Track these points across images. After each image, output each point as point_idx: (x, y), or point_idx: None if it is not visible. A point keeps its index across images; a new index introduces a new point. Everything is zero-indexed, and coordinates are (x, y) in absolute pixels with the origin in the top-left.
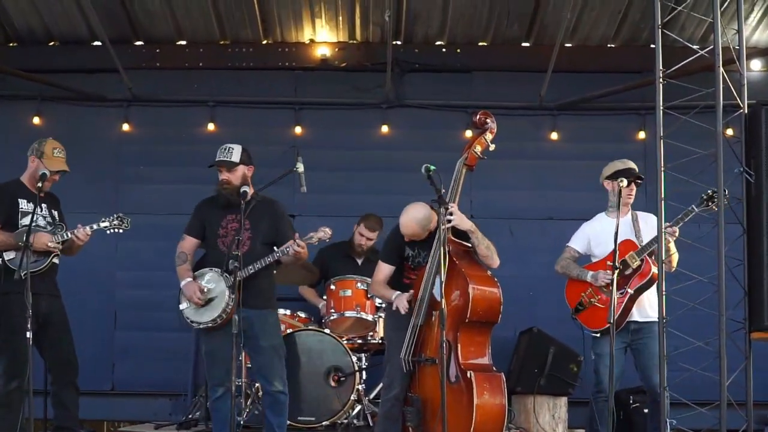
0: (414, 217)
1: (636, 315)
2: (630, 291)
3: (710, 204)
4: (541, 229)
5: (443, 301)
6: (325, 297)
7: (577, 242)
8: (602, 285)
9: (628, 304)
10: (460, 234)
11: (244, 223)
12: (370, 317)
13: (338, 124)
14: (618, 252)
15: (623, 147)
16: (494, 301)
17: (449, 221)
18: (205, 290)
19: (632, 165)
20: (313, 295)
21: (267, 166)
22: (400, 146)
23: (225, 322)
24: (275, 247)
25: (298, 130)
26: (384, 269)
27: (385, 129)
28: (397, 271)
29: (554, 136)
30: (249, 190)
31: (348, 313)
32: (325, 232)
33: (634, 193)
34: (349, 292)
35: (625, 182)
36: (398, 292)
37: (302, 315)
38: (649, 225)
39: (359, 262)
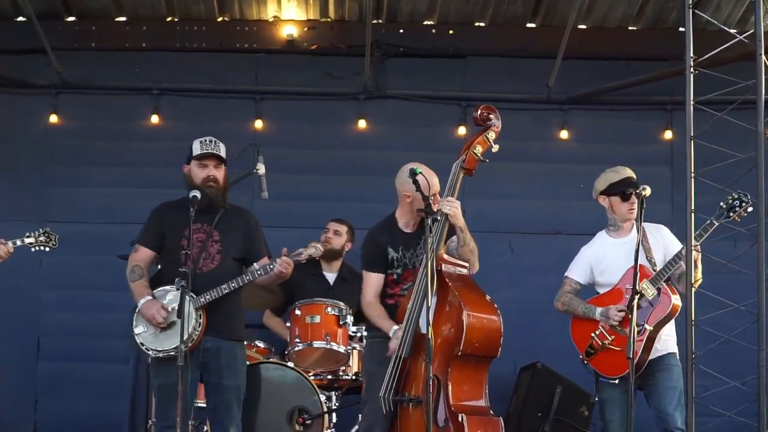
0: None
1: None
2: (648, 327)
3: (732, 214)
4: (547, 246)
5: (430, 329)
6: (289, 324)
7: (577, 271)
8: (615, 324)
9: (648, 344)
10: (451, 231)
11: (212, 234)
12: (342, 349)
13: (307, 118)
14: (626, 280)
15: (646, 149)
16: (493, 331)
17: (446, 214)
18: (170, 310)
19: (629, 172)
20: (281, 326)
21: None
22: (381, 145)
23: (191, 350)
24: (255, 264)
25: (258, 124)
26: (373, 280)
27: (362, 124)
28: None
29: (564, 134)
30: (226, 195)
31: (316, 344)
32: (316, 249)
33: (635, 207)
34: (317, 319)
35: (648, 190)
36: (396, 327)
37: (260, 345)
38: (660, 239)
39: (330, 280)
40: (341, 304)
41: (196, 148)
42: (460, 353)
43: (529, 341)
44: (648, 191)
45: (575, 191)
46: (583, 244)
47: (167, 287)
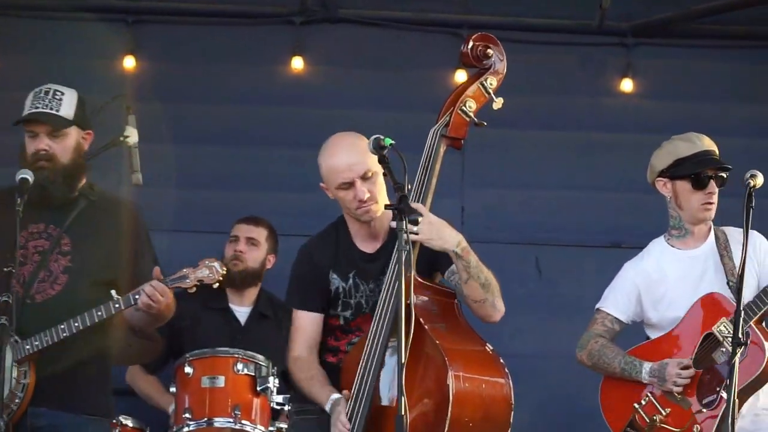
0: (344, 143)
1: None
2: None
3: None
4: (598, 263)
5: (403, 401)
6: (174, 390)
7: (616, 302)
8: (676, 389)
9: (723, 424)
10: (435, 259)
11: (61, 242)
12: (260, 429)
13: (208, 54)
14: (696, 319)
15: (762, 110)
16: (497, 402)
17: (411, 235)
18: None
19: (707, 144)
20: (156, 389)
21: None
22: (328, 98)
23: (13, 426)
24: (114, 293)
25: (129, 62)
26: (305, 324)
27: (297, 64)
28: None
29: (626, 86)
30: (79, 179)
31: (219, 422)
32: (212, 270)
33: (716, 199)
34: (220, 381)
35: (759, 178)
36: (336, 396)
37: (128, 423)
38: (753, 254)
39: (242, 318)
40: (259, 357)
41: (26, 106)
42: None
43: (565, 410)
44: (759, 179)
45: (645, 177)
46: None
47: None
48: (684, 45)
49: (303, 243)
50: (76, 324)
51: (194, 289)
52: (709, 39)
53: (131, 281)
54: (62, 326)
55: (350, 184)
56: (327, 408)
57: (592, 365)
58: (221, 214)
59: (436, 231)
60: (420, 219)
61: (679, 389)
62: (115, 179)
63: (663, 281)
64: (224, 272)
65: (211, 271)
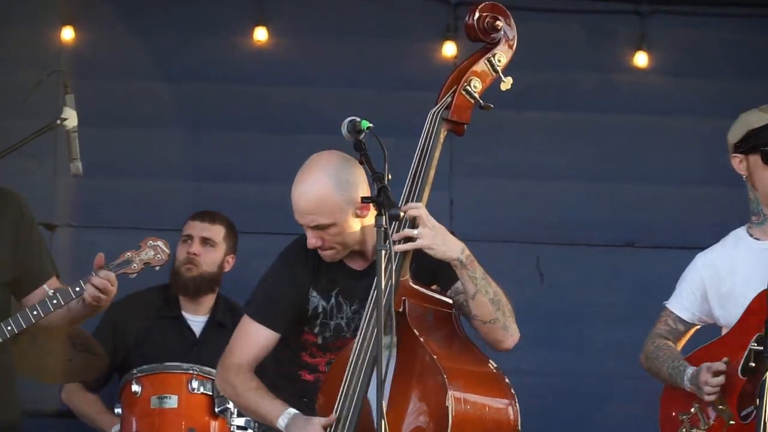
0: (306, 181)
1: None
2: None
3: None
4: (609, 265)
5: (384, 425)
6: (119, 411)
7: (680, 298)
8: (708, 397)
9: None
10: (433, 269)
11: None
12: None
13: (157, 24)
14: (754, 318)
15: None
16: (502, 426)
17: (408, 240)
18: None
19: None
20: (96, 409)
21: None
22: (295, 74)
23: None
24: (45, 288)
25: (67, 34)
26: (259, 337)
27: (261, 35)
28: (289, 344)
29: (641, 60)
30: None
31: None
32: (158, 251)
33: None
34: (172, 401)
35: None
36: (294, 411)
37: None
38: None
39: (197, 329)
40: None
41: None
42: None
43: None
44: None
45: (666, 167)
46: (688, 261)
47: None
48: (707, 13)
49: (285, 247)
50: (9, 328)
51: (135, 273)
52: (735, 6)
53: (28, 281)
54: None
55: (303, 226)
56: (281, 423)
57: (648, 369)
58: (172, 208)
59: (440, 236)
60: (418, 219)
61: (711, 398)
62: (50, 168)
63: (731, 275)
64: (169, 251)
65: (156, 251)
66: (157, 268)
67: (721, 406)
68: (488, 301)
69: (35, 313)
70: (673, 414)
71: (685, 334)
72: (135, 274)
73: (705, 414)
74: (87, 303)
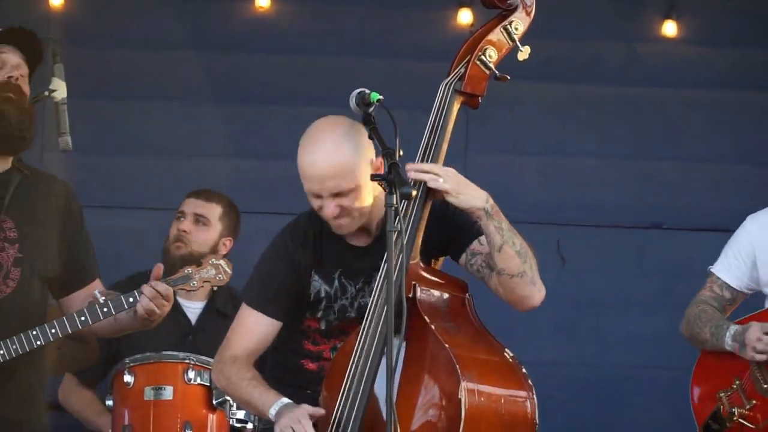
0: (322, 145)
1: None
2: None
3: None
4: (635, 249)
5: (393, 417)
6: (111, 403)
7: (728, 263)
8: (758, 356)
9: None
10: (446, 238)
11: (4, 225)
12: None
13: None
14: None
15: None
16: (518, 420)
17: (428, 192)
18: None
19: None
20: (92, 408)
21: None
22: (299, 42)
23: None
24: (96, 293)
25: None
26: (257, 326)
27: (263, 1)
28: (289, 332)
29: (669, 30)
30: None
31: None
32: (220, 271)
33: None
34: (167, 393)
35: None
36: (286, 400)
37: None
38: None
39: (192, 316)
40: (211, 360)
41: None
42: None
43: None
44: None
45: (693, 141)
46: (720, 244)
47: None
48: None
49: (281, 229)
50: (53, 331)
51: (195, 288)
52: None
53: (74, 279)
54: (34, 332)
55: (318, 196)
56: (271, 413)
57: (689, 336)
58: (170, 186)
59: (463, 183)
60: (438, 171)
61: (761, 358)
62: (37, 143)
63: None
64: (230, 272)
65: (218, 270)
66: (215, 288)
67: (765, 386)
68: (515, 253)
69: (83, 319)
70: (709, 389)
71: (732, 303)
72: (193, 291)
73: (747, 394)
74: (138, 315)
